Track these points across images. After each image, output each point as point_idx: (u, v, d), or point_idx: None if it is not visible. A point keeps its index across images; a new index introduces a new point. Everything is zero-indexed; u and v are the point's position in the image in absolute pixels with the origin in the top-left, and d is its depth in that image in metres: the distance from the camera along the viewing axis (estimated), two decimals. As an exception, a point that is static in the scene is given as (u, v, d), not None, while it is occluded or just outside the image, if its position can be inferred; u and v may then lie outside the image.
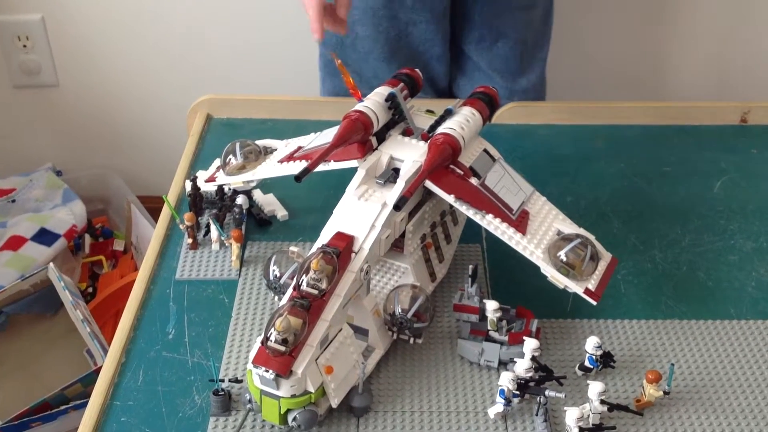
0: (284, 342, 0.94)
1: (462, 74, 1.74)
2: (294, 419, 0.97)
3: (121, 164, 2.25)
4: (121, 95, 2.22)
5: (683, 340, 1.12)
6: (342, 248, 1.01)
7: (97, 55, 2.20)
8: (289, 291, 1.00)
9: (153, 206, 2.09)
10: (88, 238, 2.03)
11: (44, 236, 1.86)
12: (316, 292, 0.98)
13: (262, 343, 0.95)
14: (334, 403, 0.99)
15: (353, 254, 1.02)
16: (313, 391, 0.96)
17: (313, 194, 1.37)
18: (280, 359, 0.94)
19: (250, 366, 0.96)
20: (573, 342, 1.12)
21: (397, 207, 1.01)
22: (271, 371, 0.93)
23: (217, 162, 1.42)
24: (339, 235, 1.03)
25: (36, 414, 1.47)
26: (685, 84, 2.28)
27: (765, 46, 2.24)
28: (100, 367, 1.50)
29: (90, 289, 1.94)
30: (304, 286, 0.98)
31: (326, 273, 0.99)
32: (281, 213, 1.35)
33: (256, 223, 1.33)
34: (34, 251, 1.83)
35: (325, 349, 0.98)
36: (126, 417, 1.02)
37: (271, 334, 0.94)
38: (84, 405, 1.50)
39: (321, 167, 1.10)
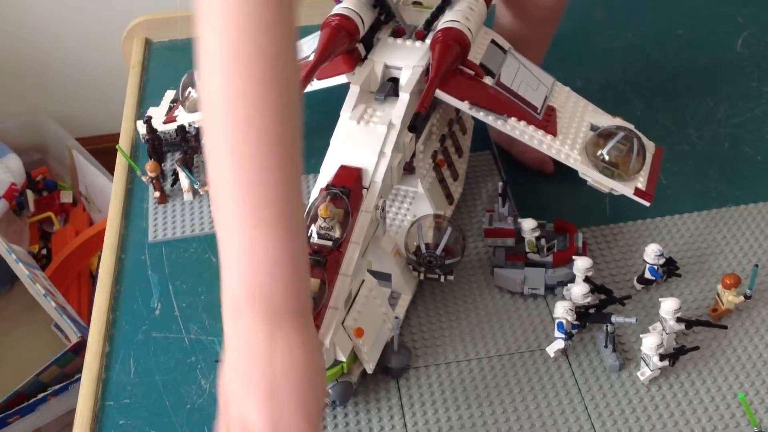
0: (303, 310, 0.77)
1: None
2: (327, 396, 0.82)
3: (51, 106, 2.00)
4: (37, 26, 1.95)
5: (745, 229, 0.99)
6: (351, 185, 0.84)
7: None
8: (296, 246, 0.83)
9: (97, 148, 1.88)
10: (30, 194, 1.81)
11: (-20, 201, 1.65)
12: (329, 243, 0.81)
13: (275, 315, 0.79)
14: (369, 368, 0.84)
15: (364, 190, 0.85)
16: (344, 359, 0.81)
17: (288, 117, 1.18)
18: (302, 331, 0.77)
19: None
20: (623, 250, 0.98)
21: (413, 128, 0.84)
22: (293, 348, 0.77)
23: (170, 95, 1.22)
24: (344, 170, 0.86)
25: (12, 407, 1.30)
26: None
27: None
28: (76, 344, 1.35)
29: (44, 251, 1.74)
30: (314, 239, 0.81)
31: (338, 218, 0.82)
32: (256, 145, 1.16)
33: (229, 161, 1.14)
34: (-27, 220, 1.62)
35: (350, 309, 0.83)
36: (125, 419, 0.86)
37: (286, 303, 0.77)
38: (65, 389, 1.35)
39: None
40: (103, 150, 1.88)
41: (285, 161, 0.66)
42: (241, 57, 0.65)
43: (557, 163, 0.93)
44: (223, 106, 0.66)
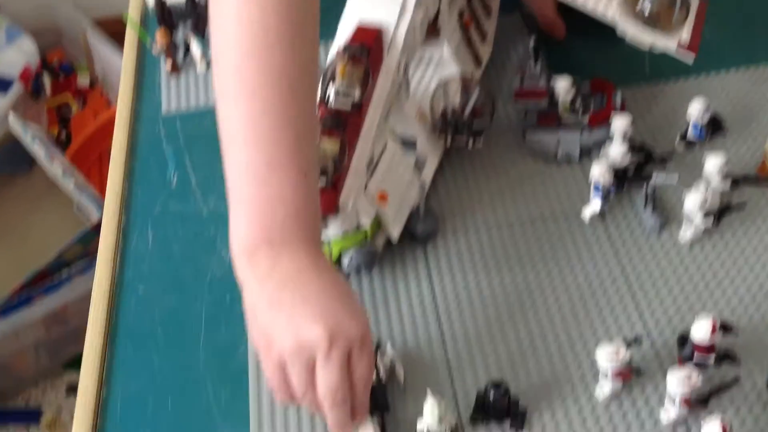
0: (322, 173, 0.73)
1: None
2: (350, 261, 0.79)
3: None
4: None
5: (795, 82, 0.92)
6: (371, 44, 0.78)
7: None
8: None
9: (112, 29, 1.82)
10: (47, 78, 1.77)
11: (-5, 85, 1.61)
12: (349, 105, 0.76)
13: (294, 180, 0.75)
14: (395, 235, 0.80)
15: (385, 49, 0.80)
16: (368, 225, 0.77)
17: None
18: (322, 195, 0.73)
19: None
20: (665, 110, 0.91)
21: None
22: (312, 212, 0.74)
23: (179, -40, 1.15)
24: (362, 28, 0.80)
25: (35, 285, 1.29)
26: None
27: None
28: (98, 223, 1.33)
29: (63, 135, 1.71)
30: (333, 101, 0.76)
31: (357, 79, 0.77)
32: (272, 11, 1.10)
33: (244, 28, 1.09)
34: (-13, 103, 1.58)
35: (372, 173, 0.78)
36: (144, 285, 0.84)
37: (304, 167, 0.73)
38: (89, 267, 1.34)
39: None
40: (119, 32, 1.82)
41: (300, 101, 0.64)
42: None
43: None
44: (236, 43, 0.63)
